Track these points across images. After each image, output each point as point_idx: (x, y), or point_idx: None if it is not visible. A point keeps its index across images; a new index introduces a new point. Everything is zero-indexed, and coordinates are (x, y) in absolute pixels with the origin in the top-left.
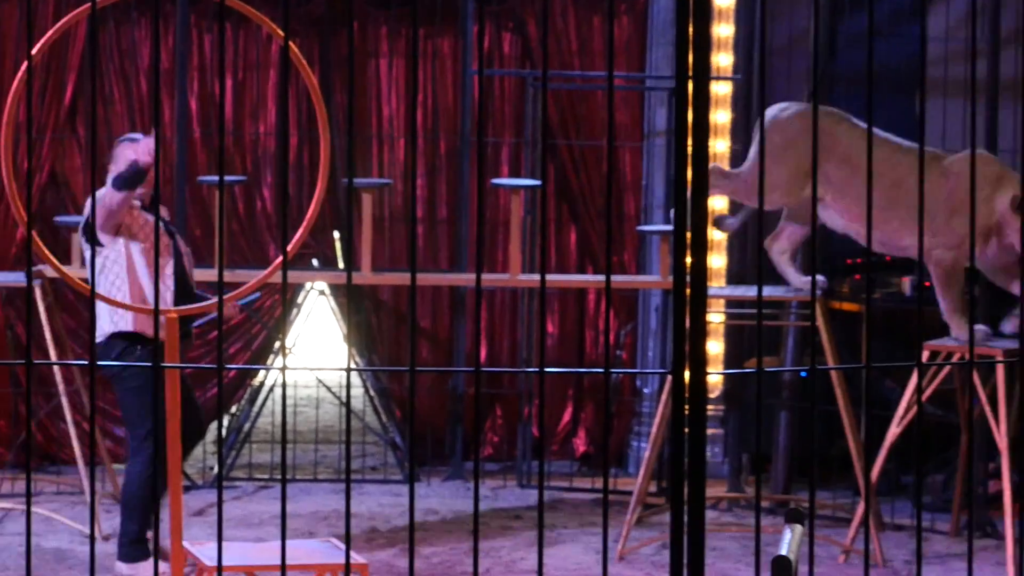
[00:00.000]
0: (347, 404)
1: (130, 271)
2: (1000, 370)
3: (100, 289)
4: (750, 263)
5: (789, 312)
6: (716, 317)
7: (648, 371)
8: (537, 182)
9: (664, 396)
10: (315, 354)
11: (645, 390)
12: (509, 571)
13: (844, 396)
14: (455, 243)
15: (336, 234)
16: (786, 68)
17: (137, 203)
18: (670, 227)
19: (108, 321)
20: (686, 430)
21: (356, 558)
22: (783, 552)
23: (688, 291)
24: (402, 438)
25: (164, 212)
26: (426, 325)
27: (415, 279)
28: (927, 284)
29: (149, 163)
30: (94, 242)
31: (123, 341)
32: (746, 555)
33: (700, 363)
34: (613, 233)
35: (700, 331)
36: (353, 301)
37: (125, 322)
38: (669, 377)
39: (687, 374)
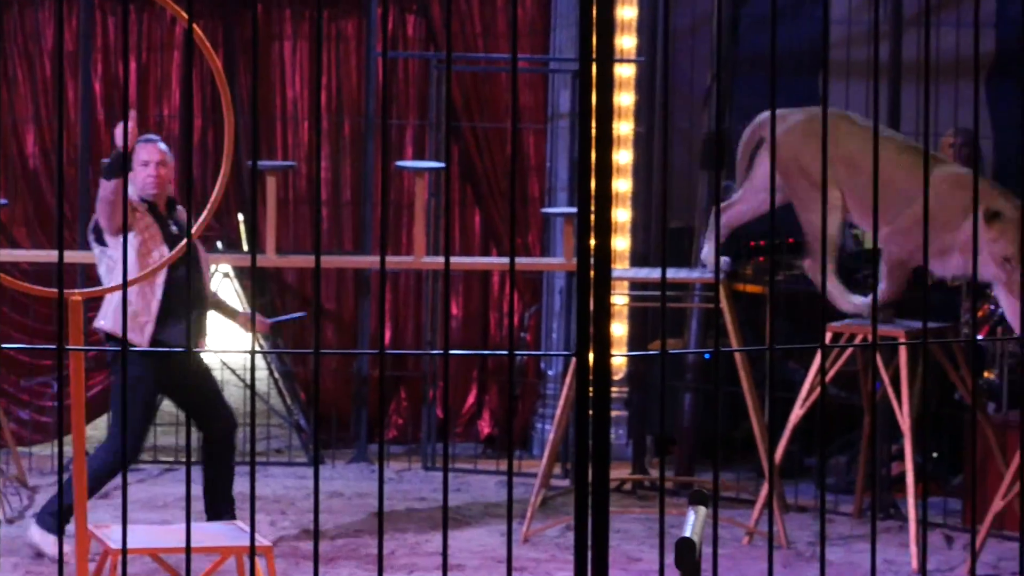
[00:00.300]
0: (252, 386)
1: (115, 271)
2: (903, 352)
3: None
4: (654, 245)
5: (693, 294)
6: (620, 299)
7: (552, 353)
8: (441, 164)
9: (568, 378)
10: (220, 336)
11: (549, 372)
12: (414, 553)
13: (748, 378)
14: (359, 225)
15: (240, 216)
16: (689, 50)
17: (141, 205)
18: (574, 209)
19: (100, 319)
20: (590, 412)
21: (261, 540)
22: (687, 534)
23: (592, 273)
24: (307, 420)
25: (184, 219)
26: (331, 307)
27: (319, 261)
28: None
29: (121, 145)
30: (101, 242)
31: (108, 340)
32: (650, 536)
33: (604, 345)
34: (517, 215)
35: (604, 313)
36: (257, 283)
37: (107, 322)
38: (573, 359)
39: (591, 356)
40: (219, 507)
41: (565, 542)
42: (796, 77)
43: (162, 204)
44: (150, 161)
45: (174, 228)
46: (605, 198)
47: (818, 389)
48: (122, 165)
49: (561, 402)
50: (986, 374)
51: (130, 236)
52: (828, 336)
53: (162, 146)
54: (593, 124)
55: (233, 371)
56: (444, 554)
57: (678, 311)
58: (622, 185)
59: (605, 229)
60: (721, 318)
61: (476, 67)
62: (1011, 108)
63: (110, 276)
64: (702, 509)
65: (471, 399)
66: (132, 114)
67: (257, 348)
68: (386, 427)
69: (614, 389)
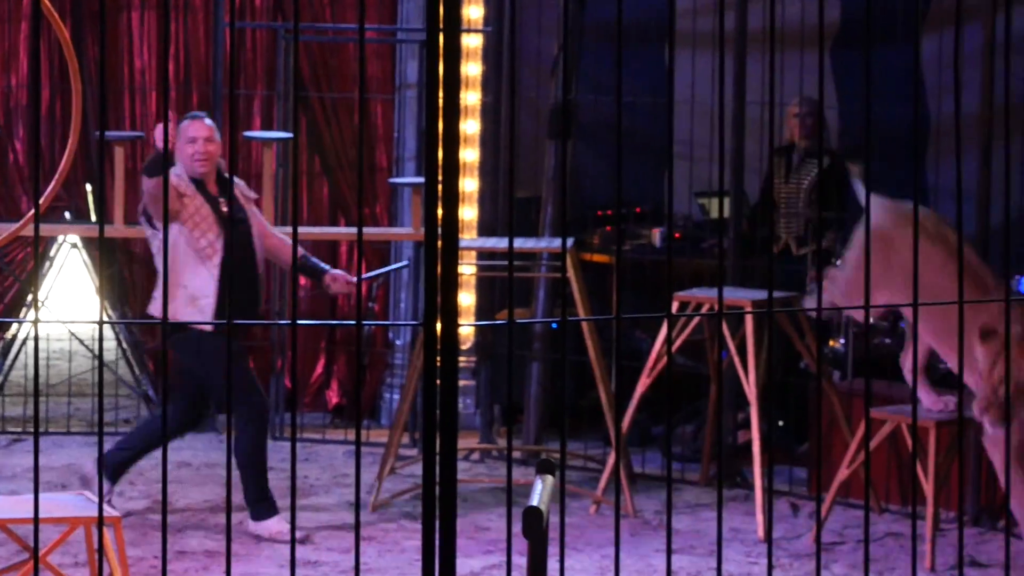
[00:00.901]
0: (100, 357)
1: (175, 258)
2: (749, 321)
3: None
4: (501, 215)
5: (540, 264)
6: (468, 269)
7: (400, 323)
8: (289, 135)
9: (416, 348)
10: (67, 307)
11: (397, 342)
12: (259, 527)
13: (595, 347)
14: None
15: (88, 187)
16: (536, 21)
17: (188, 187)
18: (421, 179)
19: (151, 306)
20: (438, 382)
21: (109, 511)
22: (534, 503)
23: (439, 243)
24: (155, 391)
25: (243, 192)
26: None
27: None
28: (677, 235)
29: (161, 148)
30: (152, 224)
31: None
32: (498, 506)
33: (452, 315)
34: (365, 185)
35: (451, 283)
36: (105, 254)
37: (155, 306)
38: (421, 329)
39: (439, 326)
40: (256, 500)
41: (413, 511)
42: (642, 47)
43: (211, 182)
44: (197, 138)
45: (224, 207)
46: (452, 168)
47: (665, 358)
48: (162, 165)
49: (409, 372)
50: (831, 343)
51: (176, 227)
52: (675, 305)
53: (208, 122)
54: (440, 94)
55: (81, 341)
56: (292, 523)
57: (525, 281)
58: (469, 155)
59: (452, 199)
60: (568, 287)
61: (324, 37)
62: (855, 77)
63: (159, 258)
64: (549, 478)
65: (319, 369)
66: (172, 116)
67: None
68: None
69: (462, 359)
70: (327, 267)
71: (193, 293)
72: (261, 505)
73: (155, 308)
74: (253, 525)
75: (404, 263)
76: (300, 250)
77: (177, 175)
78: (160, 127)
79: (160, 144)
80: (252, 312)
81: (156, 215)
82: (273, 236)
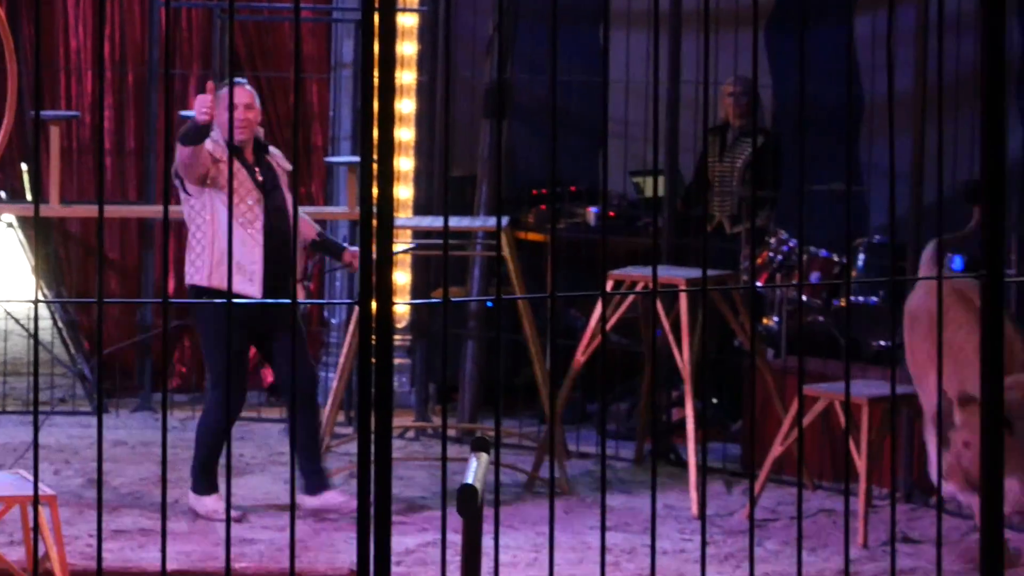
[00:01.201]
0: (35, 336)
1: (213, 224)
2: (683, 299)
3: (188, 237)
4: (436, 194)
5: (475, 242)
6: (403, 247)
7: (336, 301)
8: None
9: (351, 327)
10: (3, 286)
11: (333, 320)
12: (198, 502)
13: (530, 325)
14: (143, 175)
15: (24, 166)
16: (471, 0)
17: (224, 154)
18: (357, 158)
19: (187, 271)
20: (373, 360)
21: (45, 489)
22: (469, 481)
23: (375, 222)
24: (90, 369)
25: (279, 163)
26: (114, 257)
27: (103, 211)
28: (611, 214)
29: (206, 120)
30: (184, 189)
31: (196, 293)
32: (433, 484)
33: (387, 293)
34: (300, 164)
35: (386, 261)
36: (41, 233)
37: (200, 276)
38: (356, 308)
39: (374, 304)
40: (310, 472)
41: (349, 489)
42: (578, 26)
43: (249, 150)
44: (239, 104)
45: (260, 176)
46: (388, 147)
47: (599, 336)
48: (196, 136)
49: (344, 350)
50: (765, 321)
51: (214, 192)
52: (609, 284)
53: (249, 88)
54: (376, 73)
55: (16, 320)
56: (227, 501)
57: (460, 259)
58: (405, 134)
59: (388, 178)
60: (503, 266)
61: (259, 16)
62: (790, 57)
63: (190, 223)
64: (484, 456)
65: (254, 348)
66: (209, 85)
67: (41, 297)
68: (170, 376)
69: (397, 337)
70: (345, 244)
71: (239, 260)
72: (204, 480)
73: (199, 278)
74: (193, 498)
75: (412, 244)
76: (317, 228)
77: (213, 141)
78: (200, 97)
79: (201, 117)
80: (287, 282)
81: (188, 180)
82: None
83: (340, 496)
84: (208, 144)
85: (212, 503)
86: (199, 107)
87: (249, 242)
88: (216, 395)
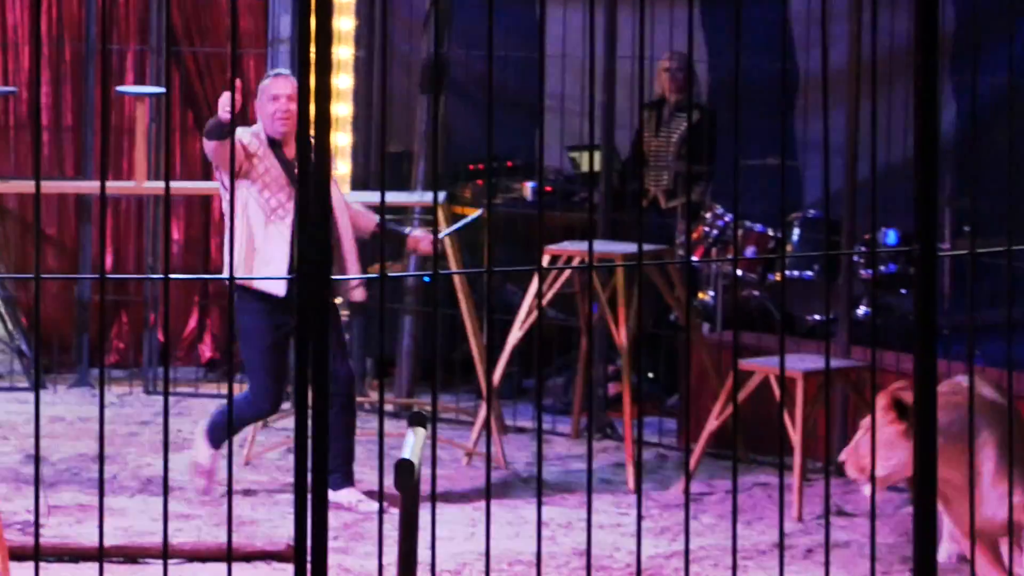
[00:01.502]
0: None
1: (243, 218)
2: (619, 273)
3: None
4: (374, 169)
5: (412, 217)
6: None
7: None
8: (162, 89)
9: None
10: None
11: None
12: (135, 477)
13: (467, 300)
14: (80, 151)
15: None
16: None
17: (261, 147)
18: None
19: (224, 261)
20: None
21: None
22: (406, 455)
23: (312, 197)
24: (28, 345)
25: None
26: (52, 233)
27: (39, 187)
28: (548, 189)
29: (227, 119)
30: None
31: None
32: (371, 459)
33: (324, 268)
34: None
35: (324, 236)
36: None
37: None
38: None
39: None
40: (343, 471)
41: (286, 464)
42: (514, 2)
43: (290, 143)
44: (280, 95)
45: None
46: (324, 122)
47: (536, 311)
48: (220, 133)
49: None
50: (700, 295)
51: (247, 185)
52: (545, 258)
53: (294, 79)
54: (312, 49)
55: None
56: (165, 477)
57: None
58: (342, 110)
59: (324, 153)
60: (440, 241)
61: None
62: (725, 32)
63: (226, 215)
64: (421, 431)
65: (192, 323)
66: (238, 84)
67: None
68: (107, 351)
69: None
70: (407, 229)
71: (265, 256)
72: (216, 434)
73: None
74: (200, 440)
75: (479, 212)
76: (375, 219)
77: (253, 133)
78: (224, 95)
79: (223, 115)
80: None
81: (220, 167)
82: (349, 205)
83: (356, 494)
84: (246, 136)
85: (206, 454)
86: (222, 106)
87: (276, 237)
88: (252, 385)
